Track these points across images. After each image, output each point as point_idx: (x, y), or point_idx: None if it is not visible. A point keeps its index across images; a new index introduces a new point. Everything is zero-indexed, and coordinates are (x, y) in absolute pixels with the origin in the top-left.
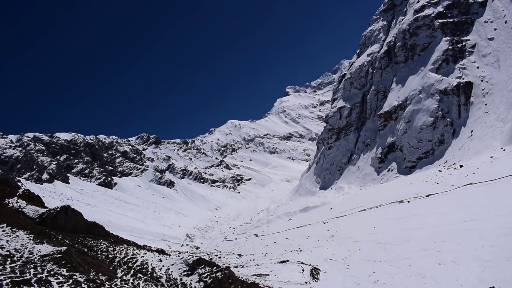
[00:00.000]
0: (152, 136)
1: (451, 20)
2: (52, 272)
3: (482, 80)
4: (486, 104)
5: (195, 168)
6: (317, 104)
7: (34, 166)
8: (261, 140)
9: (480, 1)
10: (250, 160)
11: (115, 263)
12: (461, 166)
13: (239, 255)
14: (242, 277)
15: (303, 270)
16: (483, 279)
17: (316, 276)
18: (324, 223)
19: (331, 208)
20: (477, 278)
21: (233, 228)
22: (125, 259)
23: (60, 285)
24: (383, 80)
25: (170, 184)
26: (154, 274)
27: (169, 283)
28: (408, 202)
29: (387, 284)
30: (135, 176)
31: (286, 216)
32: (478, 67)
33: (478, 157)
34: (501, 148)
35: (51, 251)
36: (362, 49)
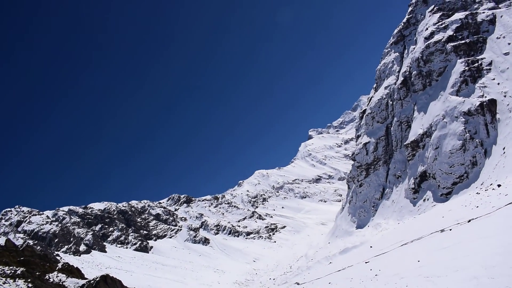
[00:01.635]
0: (182, 196)
1: (463, 41)
2: None
3: (505, 96)
4: None
5: (228, 222)
6: (341, 143)
7: (71, 239)
8: (291, 186)
9: (489, 19)
10: (282, 207)
11: None
12: (499, 185)
13: None
14: None
15: None
16: None
17: None
18: (366, 262)
19: (370, 247)
20: None
21: (274, 279)
22: None
23: None
24: (404, 110)
25: (205, 241)
26: None
27: None
28: (450, 230)
29: None
30: (170, 238)
31: (326, 260)
32: (498, 84)
33: None
34: None
35: None
36: (378, 83)
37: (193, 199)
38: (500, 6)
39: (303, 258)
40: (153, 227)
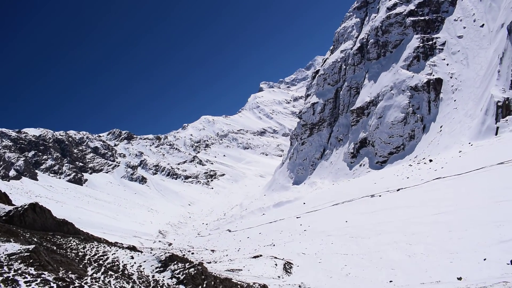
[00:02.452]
0: (124, 132)
1: (422, 18)
2: (20, 271)
3: (451, 77)
4: (455, 100)
5: (168, 164)
6: (290, 100)
7: (1, 163)
8: (235, 136)
9: (450, 0)
10: (224, 155)
11: (85, 261)
12: (430, 160)
13: (212, 250)
14: (215, 273)
15: (276, 264)
16: (451, 270)
17: (289, 270)
18: (297, 217)
19: (304, 203)
20: (445, 269)
21: (206, 224)
22: (96, 256)
23: (28, 284)
24: (356, 76)
25: (142, 180)
26: (126, 271)
27: (141, 280)
28: (380, 196)
29: (358, 277)
30: (106, 173)
31: (260, 211)
32: (447, 64)
33: (447, 152)
34: (469, 143)
35: (18, 250)
36: (336, 45)
37: (135, 136)
38: None
39: (238, 207)
40: (89, 160)
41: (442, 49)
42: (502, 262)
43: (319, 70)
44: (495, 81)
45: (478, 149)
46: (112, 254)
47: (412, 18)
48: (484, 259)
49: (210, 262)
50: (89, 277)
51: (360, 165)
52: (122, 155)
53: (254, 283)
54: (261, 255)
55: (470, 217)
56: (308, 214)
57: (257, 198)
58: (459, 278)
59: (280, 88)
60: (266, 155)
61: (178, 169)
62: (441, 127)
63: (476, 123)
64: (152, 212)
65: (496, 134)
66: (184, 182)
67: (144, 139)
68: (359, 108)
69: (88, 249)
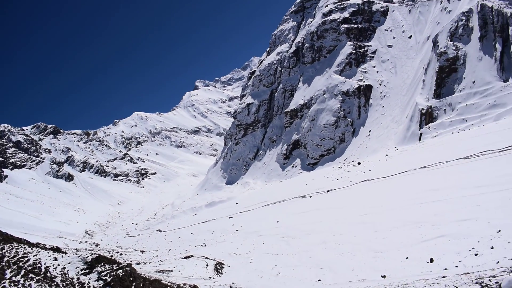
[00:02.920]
0: (50, 126)
1: (356, 26)
2: None
3: (380, 84)
4: (383, 107)
5: (97, 161)
6: (226, 100)
7: None
8: (168, 134)
9: (382, 10)
10: (156, 153)
11: (3, 263)
12: (359, 163)
13: (142, 251)
14: (144, 274)
15: (207, 265)
16: (376, 268)
17: (220, 270)
18: (229, 217)
19: (236, 203)
20: (370, 268)
21: (136, 224)
22: (15, 258)
23: None
24: (291, 79)
25: (69, 177)
26: (48, 274)
27: (64, 283)
28: (310, 197)
29: (288, 276)
30: (29, 169)
31: (192, 211)
32: (377, 72)
33: (375, 155)
34: (395, 147)
35: None
36: (272, 47)
37: (62, 131)
38: (394, 1)
39: (169, 207)
40: (11, 155)
41: (373, 57)
42: (423, 260)
43: (255, 71)
44: (420, 89)
45: (403, 154)
46: (34, 256)
47: (346, 26)
48: (406, 258)
49: (139, 263)
50: (7, 281)
51: (293, 166)
52: (47, 150)
53: (184, 284)
54: (192, 256)
55: (394, 217)
56: (241, 214)
57: (190, 197)
58: (383, 276)
59: (216, 87)
60: (200, 154)
61: (108, 166)
62: (369, 131)
63: (402, 128)
64: (79, 211)
65: (420, 139)
66: (113, 180)
67: (72, 134)
68: (293, 111)
69: (7, 251)
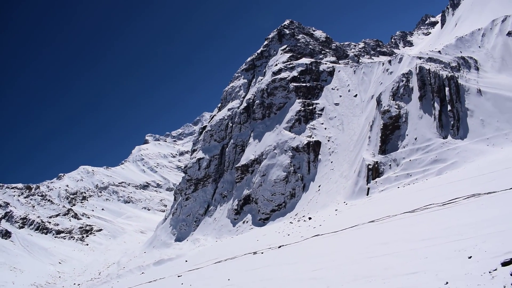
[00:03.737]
0: None
1: (304, 84)
2: None
3: (329, 140)
4: (332, 162)
5: (38, 217)
6: (176, 154)
7: None
8: (116, 189)
9: (329, 70)
10: (102, 209)
11: None
12: (309, 218)
13: None
14: None
15: None
16: None
17: None
18: (178, 276)
19: (186, 261)
20: None
21: (78, 285)
22: None
23: None
24: (242, 134)
25: (6, 234)
26: None
27: None
28: (262, 253)
29: None
30: None
31: (139, 270)
32: (325, 128)
33: (325, 210)
34: (344, 202)
35: None
36: (223, 103)
37: (1, 184)
38: (340, 62)
39: (115, 266)
40: None
41: (321, 114)
42: None
43: (206, 126)
44: (366, 146)
45: (352, 208)
46: None
47: (295, 84)
48: None
49: None
50: None
51: (244, 222)
52: None
53: None
54: None
55: (346, 272)
56: (191, 272)
57: (137, 255)
58: None
59: (166, 141)
60: (149, 210)
61: (50, 222)
62: (319, 186)
63: (350, 183)
64: (15, 271)
65: (368, 194)
66: (55, 237)
67: (12, 188)
68: (244, 166)
69: None
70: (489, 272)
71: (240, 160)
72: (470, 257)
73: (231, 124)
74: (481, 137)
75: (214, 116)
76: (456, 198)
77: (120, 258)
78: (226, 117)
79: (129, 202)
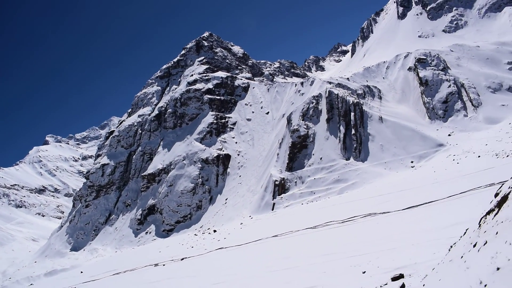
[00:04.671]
0: None
1: (218, 97)
2: None
3: (238, 154)
4: (240, 176)
5: None
6: (79, 158)
7: None
8: (7, 191)
9: (244, 86)
10: None
11: None
12: (214, 231)
13: None
14: None
15: None
16: None
17: None
18: None
19: (81, 272)
20: None
21: None
22: None
23: None
24: (151, 142)
25: None
26: None
27: None
28: (163, 265)
29: None
30: None
31: (27, 281)
32: (236, 142)
33: (230, 223)
34: (250, 216)
35: None
36: (134, 109)
37: None
38: (255, 79)
39: (0, 276)
40: None
41: (233, 128)
42: None
43: (114, 131)
44: (275, 162)
45: (257, 222)
46: None
47: (209, 96)
48: None
49: None
50: None
51: (146, 232)
52: None
53: None
54: None
55: (247, 286)
56: (85, 284)
57: (26, 265)
58: None
59: (68, 144)
60: (43, 216)
61: None
62: (226, 199)
63: (256, 198)
64: None
65: (273, 209)
66: None
67: None
68: (151, 174)
69: None
70: (381, 287)
71: (147, 168)
72: (364, 272)
73: (140, 131)
74: (380, 160)
75: (123, 121)
76: (354, 216)
77: (6, 267)
78: (136, 124)
79: (21, 207)
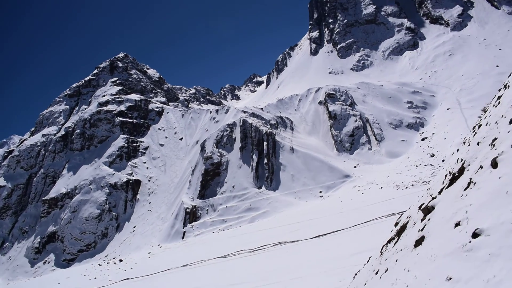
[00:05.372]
0: None
1: (131, 120)
2: None
3: (149, 180)
4: (150, 203)
5: None
6: None
7: None
8: None
9: (158, 110)
10: None
11: None
12: (120, 260)
13: None
14: None
15: None
16: None
17: None
18: None
19: None
20: None
21: None
22: None
23: None
24: (55, 164)
25: None
26: None
27: None
28: None
29: None
30: None
31: None
32: (147, 168)
33: (138, 252)
34: (159, 244)
35: None
36: (38, 128)
37: None
38: (170, 104)
39: None
40: None
41: (145, 153)
42: None
43: (13, 150)
44: (187, 189)
45: (166, 251)
46: None
47: (121, 119)
48: None
49: None
50: None
51: (45, 262)
52: None
53: None
54: None
55: None
56: None
57: None
58: None
59: None
60: None
61: None
62: (134, 227)
63: (166, 226)
64: None
65: (183, 238)
66: None
67: None
68: (53, 199)
69: None
70: None
71: (49, 192)
72: None
73: (44, 152)
74: (290, 190)
75: (24, 140)
76: (265, 245)
77: None
78: (39, 143)
79: None
